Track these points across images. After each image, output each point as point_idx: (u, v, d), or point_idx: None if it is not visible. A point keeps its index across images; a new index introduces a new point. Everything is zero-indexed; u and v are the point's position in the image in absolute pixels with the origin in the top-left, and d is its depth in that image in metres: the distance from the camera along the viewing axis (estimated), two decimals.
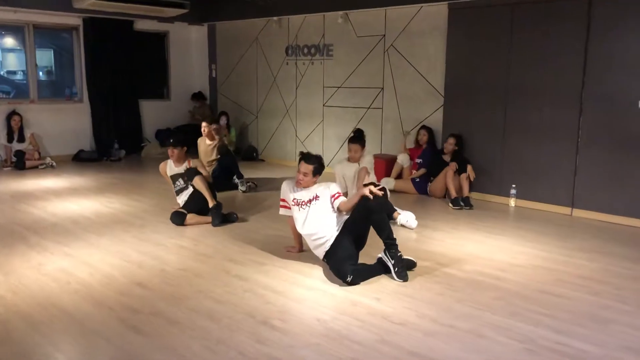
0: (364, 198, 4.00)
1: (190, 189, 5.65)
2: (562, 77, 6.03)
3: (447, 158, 6.76)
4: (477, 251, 4.75)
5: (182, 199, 5.71)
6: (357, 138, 5.73)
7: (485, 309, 3.51)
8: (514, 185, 6.49)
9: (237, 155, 9.49)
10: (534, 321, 3.34)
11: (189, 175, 5.58)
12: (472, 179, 6.57)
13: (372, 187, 4.05)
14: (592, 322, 3.34)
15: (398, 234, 5.19)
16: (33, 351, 2.96)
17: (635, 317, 3.43)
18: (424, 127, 7.22)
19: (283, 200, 4.43)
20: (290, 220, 4.46)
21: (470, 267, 4.31)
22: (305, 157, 4.26)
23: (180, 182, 5.72)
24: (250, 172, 8.44)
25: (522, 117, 6.41)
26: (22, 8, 8.61)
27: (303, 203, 4.25)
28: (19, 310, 3.44)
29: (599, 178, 5.89)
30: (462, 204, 6.29)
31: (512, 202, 6.51)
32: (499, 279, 4.05)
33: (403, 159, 7.19)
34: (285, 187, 4.40)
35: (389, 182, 6.94)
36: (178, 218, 5.43)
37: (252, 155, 9.84)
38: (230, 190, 7.13)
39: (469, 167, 6.55)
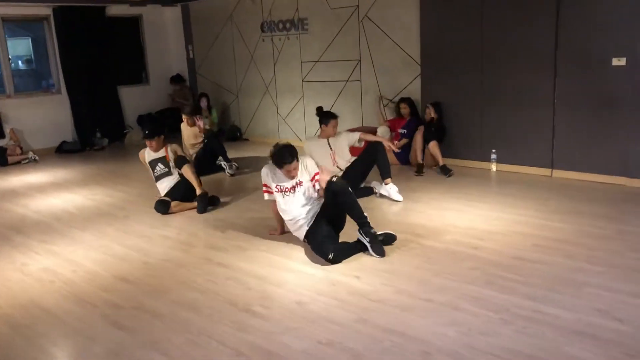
0: (328, 183, 4.04)
1: (173, 175, 5.67)
2: (536, 40, 6.02)
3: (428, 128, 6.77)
4: (456, 220, 4.81)
5: (164, 185, 5.72)
6: (331, 113, 5.80)
7: (461, 280, 3.58)
8: (494, 150, 6.53)
9: (221, 137, 9.51)
10: (509, 289, 3.41)
11: (178, 163, 5.58)
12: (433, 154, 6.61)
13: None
14: (565, 287, 3.42)
15: (380, 207, 5.26)
16: (16, 354, 3.01)
17: (606, 278, 3.51)
18: (403, 99, 7.19)
19: (265, 185, 4.42)
20: (272, 204, 4.49)
21: (449, 238, 4.37)
22: (289, 158, 4.16)
23: (161, 167, 5.72)
24: (234, 152, 8.45)
25: (498, 82, 6.41)
26: None
27: (287, 189, 4.26)
28: (2, 313, 3.49)
29: (577, 138, 5.93)
30: (423, 172, 6.51)
31: (493, 166, 6.56)
32: (476, 248, 4.12)
33: (383, 132, 7.19)
34: (266, 172, 4.39)
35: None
36: (162, 207, 5.45)
37: (235, 135, 9.82)
38: (215, 173, 7.14)
39: (432, 144, 6.56)
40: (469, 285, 3.51)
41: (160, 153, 5.74)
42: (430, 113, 6.78)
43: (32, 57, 11.61)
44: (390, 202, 5.44)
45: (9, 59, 9.25)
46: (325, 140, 5.75)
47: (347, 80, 8.10)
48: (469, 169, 6.70)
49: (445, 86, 6.86)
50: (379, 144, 5.58)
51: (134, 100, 10.42)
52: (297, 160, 4.22)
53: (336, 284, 3.63)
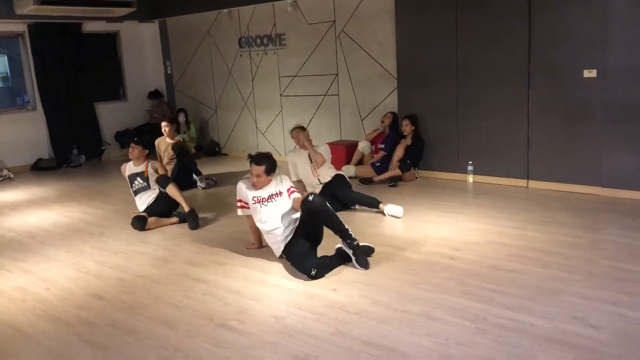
0: (304, 201, 4.03)
1: (152, 189, 5.65)
2: (509, 52, 6.12)
3: (408, 141, 6.82)
4: (433, 232, 4.83)
5: (142, 199, 5.68)
6: (295, 126, 5.93)
7: (438, 291, 3.59)
8: (470, 162, 6.59)
9: (199, 152, 9.48)
10: (485, 299, 3.43)
11: (162, 182, 5.56)
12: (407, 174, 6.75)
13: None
14: (541, 295, 3.44)
15: (358, 220, 5.26)
16: None
17: (582, 286, 3.55)
18: (391, 112, 7.21)
19: (240, 200, 4.39)
20: (250, 219, 4.46)
21: (426, 249, 4.39)
22: (255, 159, 4.21)
23: (139, 182, 5.70)
24: (213, 167, 8.42)
25: (473, 94, 6.49)
26: None
27: (263, 200, 4.24)
28: None
29: (551, 149, 6.02)
30: (397, 184, 6.64)
31: (470, 178, 6.62)
32: (453, 259, 4.14)
33: (364, 147, 7.19)
34: (242, 186, 4.36)
35: (349, 170, 6.98)
36: (139, 223, 5.39)
37: (214, 150, 9.79)
38: (191, 189, 7.10)
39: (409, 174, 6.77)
40: (446, 295, 3.52)
41: (140, 167, 5.73)
42: (407, 125, 6.83)
43: (8, 74, 11.49)
44: (368, 214, 5.45)
45: None
46: (306, 152, 5.75)
47: (325, 95, 8.14)
48: (446, 181, 6.75)
49: (422, 99, 6.93)
50: (337, 180, 5.64)
51: (112, 117, 10.34)
52: (266, 173, 4.22)
53: (314, 297, 3.62)
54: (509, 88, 6.18)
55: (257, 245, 4.62)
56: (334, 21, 7.79)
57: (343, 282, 3.83)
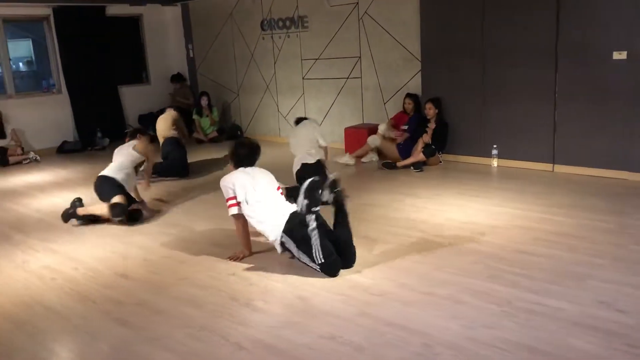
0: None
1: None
2: (536, 33, 6.00)
3: (431, 125, 6.76)
4: (458, 215, 4.80)
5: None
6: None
7: (463, 274, 3.57)
8: (495, 146, 6.52)
9: (222, 135, 9.55)
10: (511, 283, 3.40)
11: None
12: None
13: None
14: (568, 279, 3.41)
15: (381, 203, 5.23)
16: (18, 351, 3.01)
17: (608, 271, 3.50)
18: (409, 95, 7.17)
19: (233, 198, 3.93)
20: (241, 221, 4.02)
21: (451, 233, 4.36)
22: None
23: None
24: None
25: (499, 76, 6.39)
26: None
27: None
28: (4, 311, 3.49)
29: (578, 132, 5.92)
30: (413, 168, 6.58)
31: (495, 162, 6.54)
32: (478, 242, 4.11)
33: (383, 128, 7.10)
34: (240, 180, 3.95)
35: (375, 140, 6.99)
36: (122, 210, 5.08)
37: (236, 133, 9.81)
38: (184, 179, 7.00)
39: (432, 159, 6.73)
40: (471, 278, 3.50)
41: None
42: (431, 109, 6.77)
43: (33, 58, 11.62)
44: (392, 198, 5.43)
45: (10, 59, 9.25)
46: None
47: (348, 78, 8.09)
48: (470, 165, 6.69)
49: (446, 82, 6.85)
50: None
51: (135, 100, 10.41)
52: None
53: (338, 279, 3.62)
54: (535, 70, 6.08)
55: (248, 252, 4.16)
56: (357, 3, 7.71)
57: (367, 264, 3.83)
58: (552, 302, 3.13)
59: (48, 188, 6.88)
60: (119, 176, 5.29)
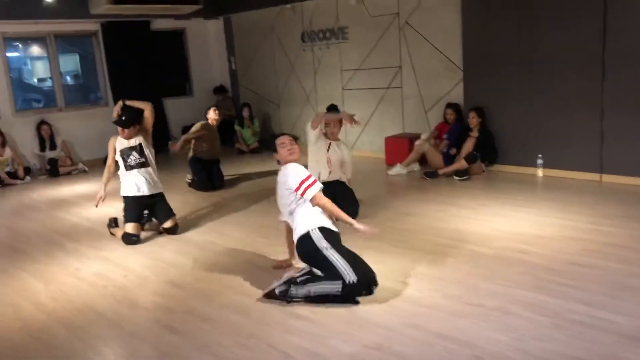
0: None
1: (148, 168, 5.27)
2: (582, 41, 5.89)
3: (474, 134, 6.71)
4: (504, 226, 4.73)
5: (132, 178, 5.21)
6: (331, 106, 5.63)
7: (511, 285, 3.51)
8: (540, 155, 6.40)
9: (263, 146, 9.66)
10: (561, 294, 3.33)
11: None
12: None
13: None
14: (621, 292, 3.32)
15: (425, 213, 5.20)
16: (73, 356, 3.10)
17: None
18: (450, 104, 7.13)
19: (307, 177, 3.61)
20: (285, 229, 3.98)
21: (497, 243, 4.30)
22: None
23: (135, 156, 5.24)
24: (273, 163, 8.50)
25: (543, 85, 6.29)
26: (42, 19, 8.80)
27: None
28: (59, 317, 3.60)
29: (626, 142, 5.76)
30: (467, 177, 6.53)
31: (540, 172, 6.43)
32: (526, 253, 4.04)
33: (425, 136, 7.10)
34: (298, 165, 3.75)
35: (423, 144, 6.97)
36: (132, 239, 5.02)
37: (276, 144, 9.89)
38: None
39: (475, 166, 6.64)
40: (520, 290, 3.44)
41: (133, 141, 5.28)
42: (474, 118, 6.71)
43: (80, 72, 12.00)
44: (436, 208, 5.39)
45: (60, 73, 9.59)
46: (328, 141, 5.23)
47: (388, 87, 8.09)
48: (515, 175, 6.58)
49: (489, 91, 6.78)
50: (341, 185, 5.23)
51: (179, 112, 10.64)
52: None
53: (384, 290, 3.60)
54: (582, 78, 5.96)
55: (291, 259, 4.11)
56: (398, 13, 7.72)
57: (413, 275, 3.81)
58: (605, 315, 3.05)
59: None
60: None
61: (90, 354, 3.12)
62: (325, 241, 3.49)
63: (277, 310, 3.42)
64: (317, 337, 3.06)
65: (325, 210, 3.61)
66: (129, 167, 5.23)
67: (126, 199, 5.23)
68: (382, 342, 2.94)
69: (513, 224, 4.76)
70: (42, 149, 9.01)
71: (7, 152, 8.54)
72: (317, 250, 3.50)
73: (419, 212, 5.29)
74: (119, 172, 5.28)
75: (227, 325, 3.30)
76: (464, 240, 4.42)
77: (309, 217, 3.60)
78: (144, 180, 5.24)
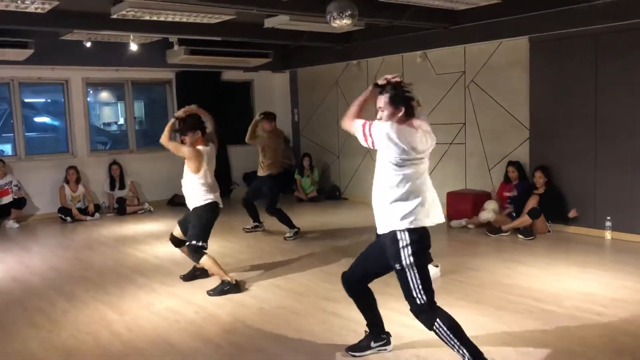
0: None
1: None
2: None
3: (539, 191, 6.65)
4: (574, 286, 4.63)
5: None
6: None
7: (588, 347, 3.43)
8: (608, 217, 6.27)
9: (321, 195, 9.81)
10: None
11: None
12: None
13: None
14: None
15: (489, 269, 5.14)
16: None
17: None
18: (511, 163, 7.11)
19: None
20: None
21: (569, 303, 4.21)
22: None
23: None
24: (333, 210, 8.63)
25: (612, 147, 6.23)
26: (123, 67, 9.38)
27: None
28: (134, 346, 3.72)
29: None
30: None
31: (608, 234, 6.28)
32: (601, 315, 3.94)
33: (492, 206, 7.01)
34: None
35: (488, 214, 6.89)
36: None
37: (335, 194, 10.04)
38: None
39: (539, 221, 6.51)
40: (598, 352, 3.35)
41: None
42: (540, 177, 6.67)
43: (143, 118, 12.59)
44: (502, 265, 5.32)
45: (135, 118, 10.11)
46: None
47: (451, 143, 8.16)
48: (582, 236, 6.45)
49: (556, 150, 6.75)
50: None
51: (242, 159, 10.95)
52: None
53: None
54: None
55: None
56: (464, 71, 7.86)
57: (485, 330, 3.76)
58: None
59: (163, 237, 7.28)
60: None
61: None
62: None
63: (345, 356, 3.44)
64: None
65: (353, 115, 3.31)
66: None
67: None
68: None
69: (584, 285, 4.65)
70: (112, 188, 9.42)
71: (80, 189, 8.98)
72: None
73: (484, 267, 5.24)
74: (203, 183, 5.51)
75: None
76: (535, 298, 4.34)
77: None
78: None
